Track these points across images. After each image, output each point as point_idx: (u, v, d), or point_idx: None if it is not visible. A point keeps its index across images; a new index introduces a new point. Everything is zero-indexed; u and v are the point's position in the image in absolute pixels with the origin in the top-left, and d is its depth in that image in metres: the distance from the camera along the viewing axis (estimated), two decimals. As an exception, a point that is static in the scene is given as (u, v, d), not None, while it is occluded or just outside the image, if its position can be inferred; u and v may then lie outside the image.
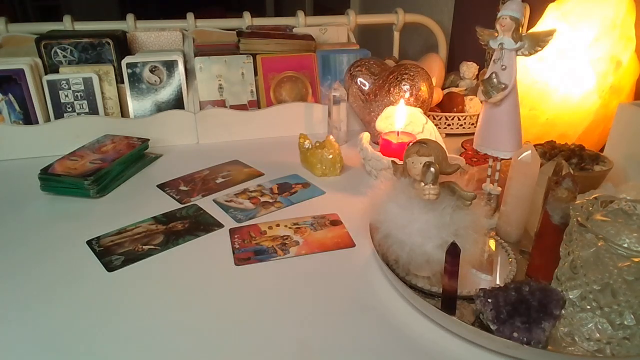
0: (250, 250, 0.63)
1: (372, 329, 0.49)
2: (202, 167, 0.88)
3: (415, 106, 0.87)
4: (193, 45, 1.06)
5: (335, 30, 1.19)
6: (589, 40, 0.78)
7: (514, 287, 0.47)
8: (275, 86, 1.03)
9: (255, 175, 0.85)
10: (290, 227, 0.68)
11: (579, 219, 0.45)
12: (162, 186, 0.81)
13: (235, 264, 0.60)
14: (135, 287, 0.56)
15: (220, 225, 0.69)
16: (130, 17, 1.09)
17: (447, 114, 0.99)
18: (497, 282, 0.55)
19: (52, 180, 0.77)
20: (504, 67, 0.58)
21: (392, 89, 0.89)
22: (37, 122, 0.93)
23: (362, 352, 0.46)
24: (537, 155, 0.59)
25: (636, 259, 0.40)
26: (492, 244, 0.62)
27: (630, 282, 0.41)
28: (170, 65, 0.97)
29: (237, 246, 0.63)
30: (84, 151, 0.84)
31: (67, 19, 1.07)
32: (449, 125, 1.00)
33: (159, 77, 0.97)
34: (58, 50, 0.95)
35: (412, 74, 0.89)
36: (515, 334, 0.44)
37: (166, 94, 0.98)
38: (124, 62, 0.95)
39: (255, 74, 1.02)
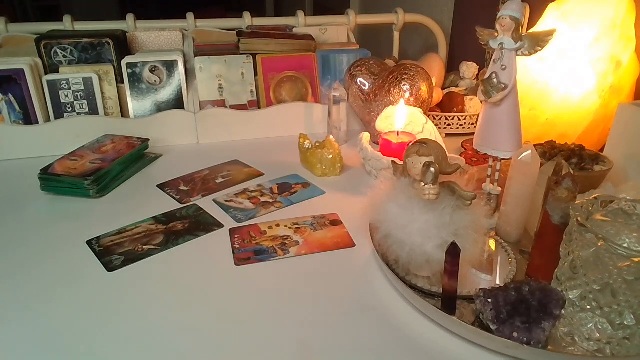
0: (250, 250, 0.63)
1: (372, 329, 0.49)
2: (202, 167, 0.88)
3: (415, 106, 0.87)
4: (193, 45, 1.06)
5: (335, 30, 1.19)
6: (589, 40, 0.78)
7: (514, 287, 0.47)
8: (275, 86, 1.03)
9: (255, 175, 0.85)
10: (290, 227, 0.68)
11: (579, 219, 0.45)
12: (162, 186, 0.81)
13: (235, 264, 0.60)
14: (135, 287, 0.56)
15: (220, 225, 0.69)
16: (130, 17, 1.09)
17: (447, 114, 0.99)
18: (497, 282, 0.55)
19: (52, 180, 0.77)
20: (504, 67, 0.58)
21: (392, 89, 0.89)
22: (37, 122, 0.93)
23: (362, 352, 0.46)
24: (537, 155, 0.59)
25: (636, 259, 0.40)
26: (492, 244, 0.62)
27: (630, 282, 0.41)
28: (170, 65, 0.97)
29: (237, 246, 0.63)
30: (84, 151, 0.84)
31: (67, 19, 1.07)
32: (449, 125, 1.00)
33: (159, 77, 0.97)
34: (58, 50, 0.95)
35: (412, 74, 0.89)
36: (515, 334, 0.44)
37: (166, 94, 0.98)
38: (124, 62, 0.95)
39: (255, 74, 1.02)
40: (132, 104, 0.97)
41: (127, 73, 0.95)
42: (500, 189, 0.65)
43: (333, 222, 0.69)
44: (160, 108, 0.98)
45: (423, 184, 0.49)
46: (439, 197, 0.49)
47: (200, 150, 0.96)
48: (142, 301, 0.53)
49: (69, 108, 0.94)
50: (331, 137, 0.85)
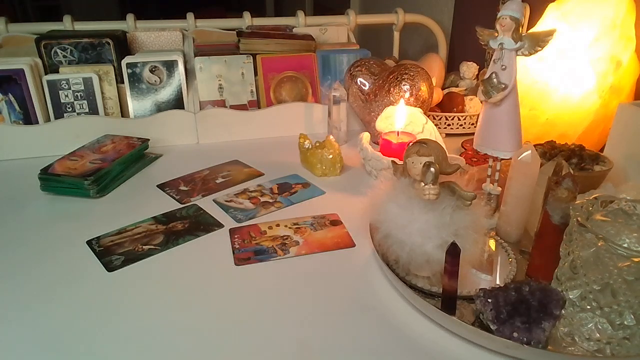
0: (250, 250, 0.63)
1: (372, 329, 0.49)
2: (202, 167, 0.88)
3: (415, 106, 0.87)
4: (193, 45, 1.06)
5: (335, 30, 1.19)
6: (589, 40, 0.78)
7: (514, 287, 0.47)
8: (275, 86, 1.03)
9: (255, 175, 0.85)
10: (290, 227, 0.68)
11: (579, 219, 0.45)
12: (162, 186, 0.81)
13: (235, 264, 0.60)
14: (135, 287, 0.56)
15: (220, 225, 0.69)
16: (130, 17, 1.09)
17: (447, 114, 0.99)
18: (497, 282, 0.55)
19: (52, 180, 0.77)
20: (504, 67, 0.58)
21: (392, 89, 0.89)
22: (37, 122, 0.93)
23: (362, 352, 0.46)
24: (537, 155, 0.59)
25: (636, 259, 0.40)
26: (492, 244, 0.62)
27: (630, 282, 0.41)
28: (170, 65, 0.97)
29: (237, 246, 0.63)
30: (84, 151, 0.84)
31: (67, 19, 1.07)
32: (449, 125, 1.00)
33: (159, 77, 0.97)
34: (58, 50, 0.95)
35: (412, 74, 0.89)
36: (515, 334, 0.44)
37: (166, 94, 0.98)
38: (124, 62, 0.95)
39: (255, 74, 1.02)
40: (132, 104, 0.97)
41: (127, 73, 0.95)
42: (500, 189, 0.65)
43: (333, 222, 0.69)
44: (160, 108, 0.98)
45: (423, 184, 0.49)
46: (439, 197, 0.49)
47: (200, 150, 0.96)
48: (142, 301, 0.53)
49: (69, 108, 0.94)
50: (331, 137, 0.85)
